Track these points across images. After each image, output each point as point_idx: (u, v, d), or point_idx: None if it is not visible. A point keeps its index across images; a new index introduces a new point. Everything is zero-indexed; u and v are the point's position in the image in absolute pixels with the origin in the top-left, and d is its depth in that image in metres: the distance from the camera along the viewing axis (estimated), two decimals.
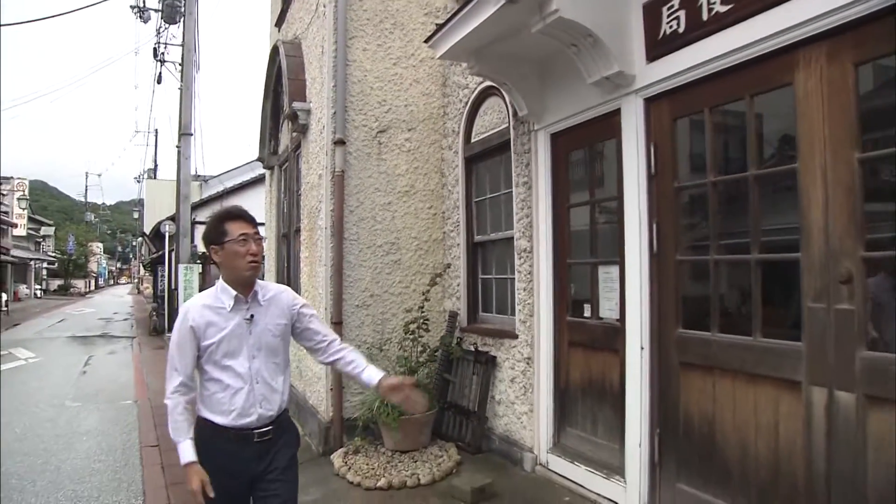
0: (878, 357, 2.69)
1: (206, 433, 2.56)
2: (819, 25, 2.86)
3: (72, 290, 52.72)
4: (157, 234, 21.60)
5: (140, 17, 21.66)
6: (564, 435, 4.76)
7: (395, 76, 6.45)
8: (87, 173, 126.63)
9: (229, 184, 23.08)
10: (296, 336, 2.79)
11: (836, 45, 2.85)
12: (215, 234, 2.58)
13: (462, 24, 4.28)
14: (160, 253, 21.59)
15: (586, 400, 4.54)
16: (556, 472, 4.66)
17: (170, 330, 16.70)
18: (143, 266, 39.98)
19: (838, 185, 2.83)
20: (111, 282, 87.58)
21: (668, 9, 3.64)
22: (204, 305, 2.59)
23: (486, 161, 5.92)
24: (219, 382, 2.55)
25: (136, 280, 60.33)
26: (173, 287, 17.01)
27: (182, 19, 18.11)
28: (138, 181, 43.66)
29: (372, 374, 2.70)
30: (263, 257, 2.80)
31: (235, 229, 2.56)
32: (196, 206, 20.14)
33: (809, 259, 2.95)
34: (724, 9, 3.30)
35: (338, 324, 5.92)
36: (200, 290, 15.50)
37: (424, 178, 6.50)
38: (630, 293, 3.95)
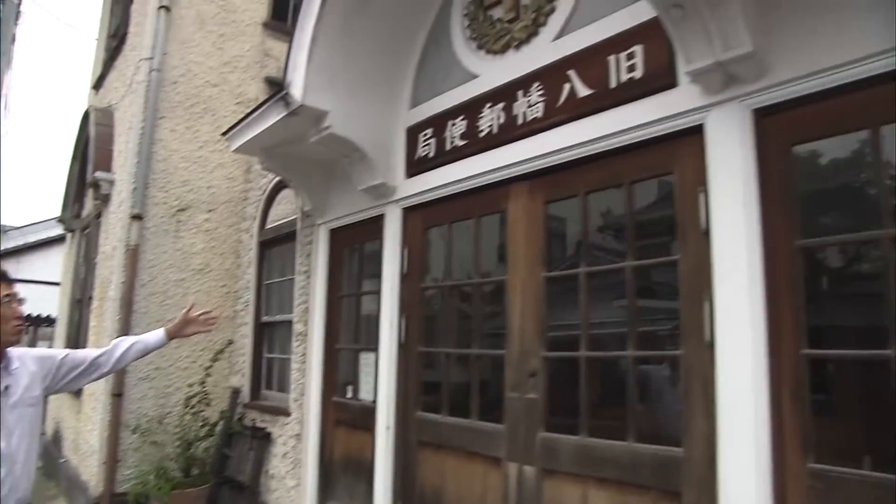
0: (551, 437, 3.36)
1: None
2: (523, 168, 3.63)
3: None
4: None
5: None
6: None
7: (200, 158, 6.76)
8: None
9: (33, 237, 21.55)
10: (68, 384, 2.64)
11: (534, 185, 3.63)
12: None
13: (252, 126, 4.75)
14: None
15: (347, 474, 4.92)
16: None
17: None
18: None
19: (531, 296, 3.54)
20: None
21: (424, 136, 4.34)
22: None
23: (278, 247, 6.33)
24: None
25: None
26: None
27: None
28: None
29: (156, 336, 2.81)
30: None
31: (2, 289, 2.35)
32: None
33: (510, 356, 3.61)
34: (461, 143, 4.03)
35: (118, 395, 5.94)
36: None
37: (220, 257, 6.77)
38: (381, 378, 4.46)
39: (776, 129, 2.64)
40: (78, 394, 6.72)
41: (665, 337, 3.01)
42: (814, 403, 2.45)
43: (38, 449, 2.51)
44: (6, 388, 2.35)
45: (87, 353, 2.74)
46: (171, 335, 2.79)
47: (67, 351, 2.69)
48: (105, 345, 6.03)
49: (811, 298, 2.61)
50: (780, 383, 2.49)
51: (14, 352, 2.46)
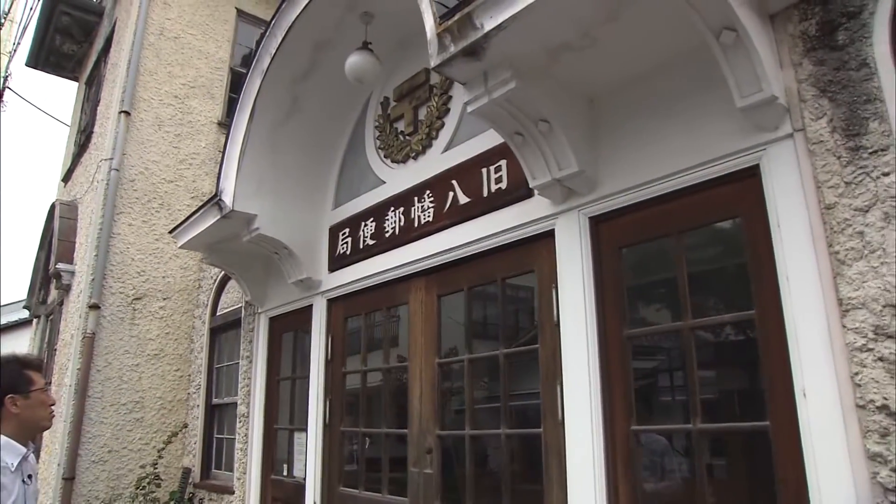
0: None
1: None
2: (420, 265, 4.11)
3: None
4: None
5: None
6: None
7: (156, 250, 7.21)
8: None
9: (5, 319, 21.66)
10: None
11: (429, 281, 4.10)
12: (18, 382, 2.35)
13: (194, 226, 5.23)
14: None
15: None
16: None
17: None
18: None
19: (427, 380, 3.97)
20: None
21: (343, 234, 4.83)
22: None
23: (227, 333, 6.74)
24: None
25: None
26: None
27: None
28: None
29: None
30: None
31: (39, 378, 2.44)
32: None
33: (412, 434, 4.01)
34: (371, 242, 4.52)
35: (70, 479, 6.20)
36: None
37: (175, 342, 7.15)
38: (309, 456, 4.82)
39: (608, 234, 3.12)
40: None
41: (531, 416, 3.42)
42: (642, 470, 2.86)
43: None
44: (29, 476, 2.39)
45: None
46: None
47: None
48: (58, 430, 6.40)
49: (638, 380, 3.04)
50: (615, 456, 2.90)
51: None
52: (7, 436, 2.31)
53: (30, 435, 2.46)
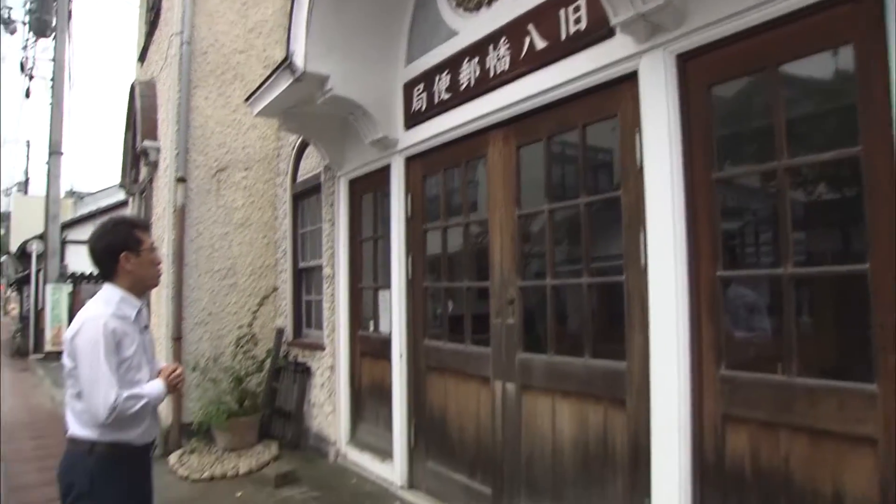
0: (527, 357, 3.82)
1: (111, 459, 2.40)
2: (497, 117, 4.01)
3: None
4: (23, 253, 21.13)
5: (5, 28, 21.01)
6: (359, 430, 5.75)
7: (234, 121, 7.30)
8: None
9: (105, 202, 22.87)
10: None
11: (507, 132, 4.00)
12: (130, 242, 2.52)
13: (267, 93, 5.23)
14: (26, 272, 21.11)
15: (373, 400, 5.54)
16: (351, 461, 5.63)
17: (35, 351, 16.59)
18: (10, 285, 37.93)
19: (507, 233, 3.96)
20: None
21: (417, 91, 4.74)
22: (114, 315, 2.43)
23: (309, 198, 6.88)
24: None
25: (2, 300, 56.30)
26: (39, 307, 16.87)
27: (54, 35, 18.03)
28: (7, 195, 41.69)
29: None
30: None
31: (148, 239, 2.60)
32: (69, 225, 19.96)
33: (494, 287, 4.06)
34: (446, 96, 4.41)
35: (178, 339, 6.67)
36: (71, 311, 15.42)
37: (259, 211, 7.38)
38: (394, 312, 4.99)
39: (696, 72, 2.93)
40: None
41: (613, 264, 3.38)
42: (727, 318, 2.82)
43: None
44: (145, 326, 2.64)
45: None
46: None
47: None
48: (163, 296, 6.82)
49: (725, 225, 2.93)
50: (700, 302, 2.86)
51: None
52: (126, 291, 2.53)
53: (140, 291, 2.61)
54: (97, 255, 2.54)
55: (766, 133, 2.67)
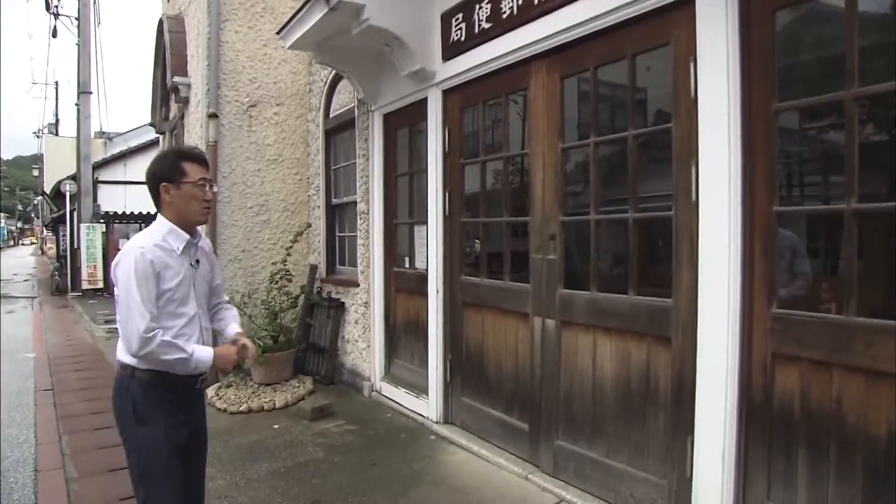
0: (568, 293, 3.77)
1: (152, 384, 2.38)
2: (540, 47, 3.86)
3: None
4: (57, 194, 21.42)
5: None
6: (393, 365, 5.79)
7: (265, 56, 7.18)
8: None
9: (134, 142, 22.97)
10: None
11: (551, 62, 3.86)
12: (172, 172, 2.43)
13: (300, 24, 5.10)
14: (61, 212, 21.44)
15: (407, 336, 5.56)
16: (385, 396, 5.69)
17: (73, 290, 16.96)
18: (45, 226, 38.64)
19: (550, 167, 3.86)
20: (11, 243, 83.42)
21: (455, 20, 4.58)
22: (156, 246, 2.38)
23: (341, 134, 6.80)
24: (170, 330, 2.37)
25: (39, 240, 57.49)
26: (75, 246, 17.16)
27: None
28: (38, 136, 42.06)
29: (231, 329, 2.76)
30: None
31: (195, 172, 2.45)
32: (99, 165, 20.11)
33: (534, 221, 3.99)
34: (487, 26, 4.26)
35: None
36: (105, 250, 15.67)
37: (291, 147, 7.31)
38: (431, 248, 4.95)
39: None
40: None
41: (661, 199, 3.28)
42: (780, 255, 2.73)
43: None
44: (196, 261, 2.52)
45: (219, 296, 2.80)
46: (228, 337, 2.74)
47: (218, 267, 2.80)
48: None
49: (783, 159, 2.80)
50: (753, 238, 2.77)
51: (199, 232, 2.60)
52: (172, 223, 2.43)
53: (185, 226, 2.46)
54: (147, 183, 2.50)
55: (833, 61, 2.52)
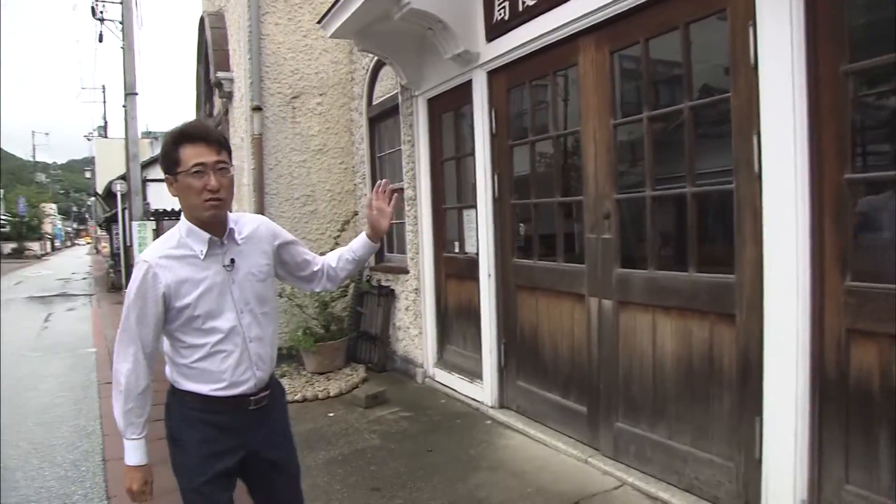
0: (625, 272, 3.68)
1: (187, 405, 2.07)
2: (588, 21, 3.76)
3: (26, 252, 51.50)
4: (109, 194, 21.93)
5: None
6: (446, 351, 5.77)
7: (305, 47, 7.19)
8: (33, 132, 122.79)
9: None
10: (285, 275, 2.33)
11: (600, 37, 3.76)
12: (169, 162, 1.97)
13: (341, 11, 5.08)
14: (113, 212, 21.95)
15: (459, 321, 5.53)
16: (439, 382, 5.68)
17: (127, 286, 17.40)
18: (99, 225, 39.73)
19: (602, 144, 3.77)
20: (68, 243, 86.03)
21: None
22: (167, 257, 1.99)
23: (385, 121, 6.78)
24: (201, 348, 2.02)
25: (94, 240, 59.11)
26: (128, 244, 17.57)
27: None
28: (88, 139, 43.21)
29: (360, 241, 2.38)
30: (232, 192, 2.07)
31: (190, 157, 1.93)
32: (147, 165, 20.50)
33: (587, 200, 3.90)
34: (531, 3, 4.17)
35: None
36: None
37: (335, 137, 7.33)
38: (481, 231, 4.90)
39: None
40: None
41: (720, 173, 3.16)
42: (854, 226, 2.60)
43: (274, 323, 2.23)
44: (231, 261, 2.06)
45: (310, 260, 2.36)
46: (371, 235, 2.35)
47: (295, 240, 2.33)
48: None
49: (855, 123, 2.65)
50: (822, 209, 2.64)
51: (243, 220, 2.15)
52: (190, 221, 2.02)
53: (199, 224, 2.01)
54: None
55: None
